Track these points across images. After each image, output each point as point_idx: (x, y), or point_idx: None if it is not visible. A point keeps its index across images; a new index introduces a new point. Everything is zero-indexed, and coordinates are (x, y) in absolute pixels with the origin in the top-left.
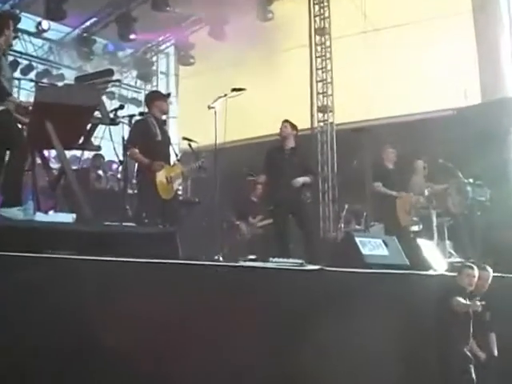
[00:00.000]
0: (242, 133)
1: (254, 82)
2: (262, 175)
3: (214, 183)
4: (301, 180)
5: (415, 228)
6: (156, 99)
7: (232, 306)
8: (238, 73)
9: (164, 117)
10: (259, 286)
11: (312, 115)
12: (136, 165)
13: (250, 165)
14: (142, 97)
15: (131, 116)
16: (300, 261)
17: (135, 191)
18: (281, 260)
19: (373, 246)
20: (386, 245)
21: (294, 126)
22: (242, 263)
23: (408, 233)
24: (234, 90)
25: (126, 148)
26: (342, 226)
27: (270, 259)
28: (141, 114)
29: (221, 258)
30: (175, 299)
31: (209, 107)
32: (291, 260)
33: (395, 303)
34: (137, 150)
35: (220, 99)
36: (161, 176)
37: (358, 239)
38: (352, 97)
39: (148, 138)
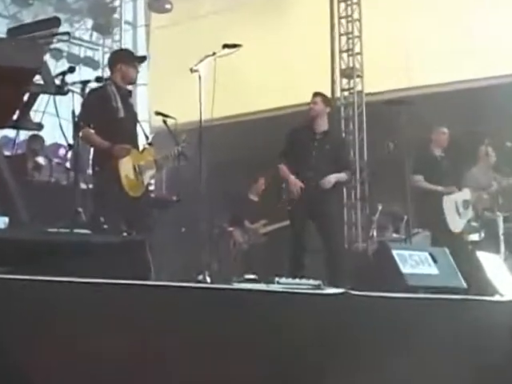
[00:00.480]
0: (237, 106)
1: (252, 35)
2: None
3: (199, 176)
4: (333, 179)
5: (474, 237)
6: (121, 62)
7: (223, 343)
8: (231, 22)
9: (130, 86)
10: (260, 316)
11: (333, 81)
12: (91, 150)
13: (248, 149)
14: (99, 56)
15: (85, 83)
16: (317, 282)
17: (90, 186)
18: (291, 281)
19: (416, 262)
20: (434, 260)
21: (327, 101)
22: (236, 285)
23: (464, 243)
24: (225, 46)
25: (77, 127)
26: (375, 234)
27: (276, 279)
28: (98, 79)
29: (207, 278)
30: (143, 333)
31: (191, 70)
32: (305, 281)
33: (448, 339)
34: (92, 131)
35: (206, 59)
36: (126, 165)
37: (395, 252)
38: (387, 57)
39: (108, 114)
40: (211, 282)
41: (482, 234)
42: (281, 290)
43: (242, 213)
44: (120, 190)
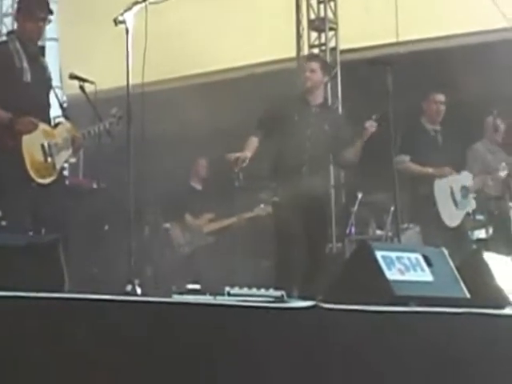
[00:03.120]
0: (176, 67)
1: None
2: (247, 146)
3: (127, 157)
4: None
5: (480, 234)
6: (24, 12)
7: (158, 367)
8: None
9: (40, 42)
10: (205, 336)
11: (299, 35)
12: None
13: (192, 123)
14: None
15: None
16: (279, 293)
17: None
18: (245, 291)
19: (406, 266)
20: (428, 263)
21: (326, 68)
22: (176, 297)
23: (467, 242)
24: None
25: None
26: (353, 230)
27: (227, 290)
28: (9, 33)
29: (138, 289)
30: (61, 352)
31: (116, 22)
32: (263, 292)
33: (445, 361)
34: None
35: (135, 7)
36: (32, 143)
37: (379, 254)
38: (369, 3)
39: (9, 77)
40: (143, 294)
41: (490, 231)
42: (232, 303)
43: (182, 205)
44: (23, 174)
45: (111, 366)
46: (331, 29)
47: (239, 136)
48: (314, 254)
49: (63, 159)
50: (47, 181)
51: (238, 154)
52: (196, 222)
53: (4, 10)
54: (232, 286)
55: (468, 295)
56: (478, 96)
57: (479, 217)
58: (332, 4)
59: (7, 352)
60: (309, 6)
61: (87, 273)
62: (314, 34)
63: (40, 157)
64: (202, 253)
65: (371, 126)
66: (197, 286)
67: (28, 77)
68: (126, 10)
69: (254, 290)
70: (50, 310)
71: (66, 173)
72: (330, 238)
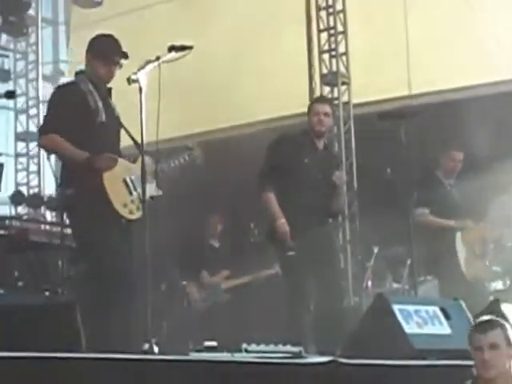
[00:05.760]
0: (190, 125)
1: (205, 32)
2: (273, 208)
3: (142, 214)
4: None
5: (497, 285)
6: (100, 54)
7: None
8: (178, 17)
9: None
10: None
11: (311, 90)
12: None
13: (207, 180)
14: (10, 64)
15: None
16: (297, 348)
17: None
18: (263, 348)
19: (424, 320)
20: (446, 316)
21: (333, 111)
22: (193, 355)
23: (485, 293)
24: (171, 48)
25: (40, 134)
26: (369, 284)
27: (244, 346)
28: (9, 94)
29: (155, 348)
30: None
31: (129, 81)
32: (281, 347)
33: None
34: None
35: (148, 66)
36: (114, 179)
37: (397, 307)
38: (381, 58)
39: (84, 118)
40: (160, 353)
41: (508, 282)
42: (250, 359)
43: (199, 262)
44: (111, 212)
45: None
46: (343, 83)
47: (251, 192)
48: (330, 307)
49: (148, 193)
50: (135, 216)
51: (284, 228)
52: (212, 279)
53: (18, 70)
54: (249, 343)
55: None
56: (495, 145)
57: (496, 268)
58: (344, 58)
59: None
60: (321, 60)
61: (103, 333)
62: (327, 89)
63: (124, 192)
64: (219, 310)
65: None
66: (214, 343)
67: (103, 117)
68: (139, 69)
69: (272, 346)
70: (68, 369)
71: None
72: (347, 291)
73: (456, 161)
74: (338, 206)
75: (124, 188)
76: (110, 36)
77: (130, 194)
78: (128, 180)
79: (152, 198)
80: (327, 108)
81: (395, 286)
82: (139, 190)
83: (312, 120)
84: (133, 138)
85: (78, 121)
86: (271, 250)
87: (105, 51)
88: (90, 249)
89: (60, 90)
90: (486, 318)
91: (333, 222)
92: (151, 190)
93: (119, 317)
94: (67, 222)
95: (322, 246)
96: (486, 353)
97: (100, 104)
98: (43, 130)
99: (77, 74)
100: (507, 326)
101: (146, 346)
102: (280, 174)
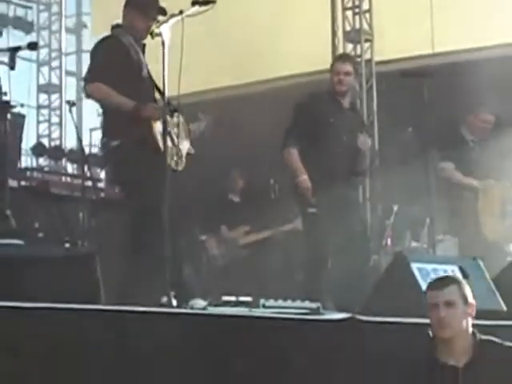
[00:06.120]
0: (211, 79)
1: None
2: (295, 164)
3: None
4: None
5: None
6: (138, 8)
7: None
8: None
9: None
10: (242, 348)
11: (334, 47)
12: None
13: (228, 134)
14: (33, 15)
15: (14, 50)
16: (315, 304)
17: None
18: (281, 303)
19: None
20: (464, 275)
21: (356, 69)
22: (211, 309)
23: (503, 253)
24: (195, 2)
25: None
26: (389, 242)
27: (262, 302)
28: (31, 46)
29: (173, 301)
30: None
31: (152, 35)
32: (299, 303)
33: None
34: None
35: (171, 20)
36: (159, 130)
37: (415, 266)
38: (404, 15)
39: (129, 70)
40: (179, 306)
41: None
42: (268, 315)
43: (219, 217)
44: (162, 161)
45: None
46: (366, 40)
47: (274, 147)
48: (354, 265)
49: (186, 149)
50: (180, 168)
51: (306, 184)
52: (231, 234)
53: (41, 22)
54: (267, 299)
55: (505, 307)
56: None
57: None
58: (367, 15)
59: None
60: (344, 17)
61: (123, 283)
62: (350, 46)
63: (169, 143)
64: (237, 265)
65: (362, 143)
66: (232, 298)
67: (146, 71)
68: (161, 23)
69: (290, 302)
70: (89, 319)
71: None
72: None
73: (486, 122)
74: (362, 168)
75: (169, 139)
76: None
77: (174, 146)
78: (172, 132)
79: (188, 154)
80: (348, 67)
81: (414, 244)
82: (180, 145)
83: (333, 79)
84: (163, 96)
85: (122, 73)
86: (293, 206)
87: (145, 6)
88: (139, 198)
89: (103, 43)
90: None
91: (355, 181)
92: (186, 147)
93: (145, 266)
94: (88, 174)
95: (344, 206)
96: (441, 310)
97: (142, 58)
98: (90, 78)
99: (113, 27)
100: (464, 283)
101: (165, 300)
102: (306, 132)
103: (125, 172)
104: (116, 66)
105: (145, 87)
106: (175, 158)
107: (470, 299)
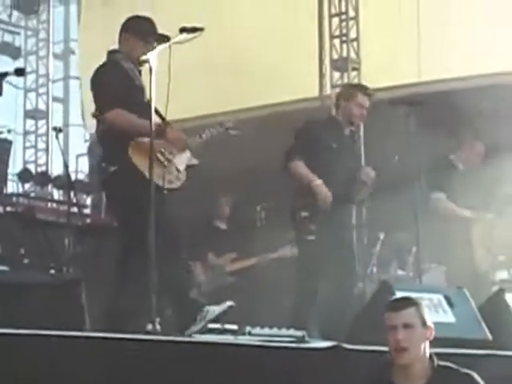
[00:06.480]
0: (198, 106)
1: (217, 13)
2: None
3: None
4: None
5: (502, 275)
6: (139, 37)
7: None
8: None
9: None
10: (226, 376)
11: (321, 75)
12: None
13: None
14: (20, 41)
15: (1, 75)
16: (300, 333)
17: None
18: (267, 331)
19: (428, 307)
20: (450, 304)
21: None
22: (196, 337)
23: (488, 283)
24: (182, 30)
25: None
26: (374, 270)
27: (247, 329)
28: (18, 72)
29: (158, 327)
30: None
31: (139, 61)
32: (285, 331)
33: None
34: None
35: (159, 47)
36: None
37: (400, 294)
38: (392, 44)
39: (134, 96)
40: (164, 334)
41: None
42: (254, 343)
43: (206, 244)
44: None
45: None
46: (354, 69)
47: (264, 173)
48: (343, 292)
49: (184, 162)
50: (176, 184)
51: (323, 189)
52: (218, 261)
53: (29, 48)
54: (253, 326)
55: (490, 337)
56: (501, 138)
57: (501, 257)
58: (355, 44)
59: None
60: (331, 45)
61: (109, 310)
62: (337, 74)
63: (161, 164)
64: (223, 292)
65: (366, 175)
66: (217, 326)
67: (147, 96)
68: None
69: (275, 330)
70: (74, 347)
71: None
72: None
73: (478, 154)
74: (360, 197)
75: (162, 158)
76: (148, 18)
77: (168, 161)
78: (163, 150)
79: (189, 166)
80: (366, 101)
81: (400, 272)
82: (173, 160)
83: (353, 110)
84: (164, 120)
85: (130, 98)
86: (279, 233)
87: (146, 33)
88: (135, 224)
89: (107, 68)
90: (400, 296)
91: (350, 208)
92: (185, 160)
93: (131, 294)
94: (74, 200)
95: (340, 234)
96: (399, 332)
97: (142, 83)
98: (107, 105)
99: (111, 52)
100: (422, 305)
101: (150, 327)
102: (307, 153)
103: (121, 197)
104: (125, 91)
105: (148, 112)
106: (169, 178)
107: (429, 322)
